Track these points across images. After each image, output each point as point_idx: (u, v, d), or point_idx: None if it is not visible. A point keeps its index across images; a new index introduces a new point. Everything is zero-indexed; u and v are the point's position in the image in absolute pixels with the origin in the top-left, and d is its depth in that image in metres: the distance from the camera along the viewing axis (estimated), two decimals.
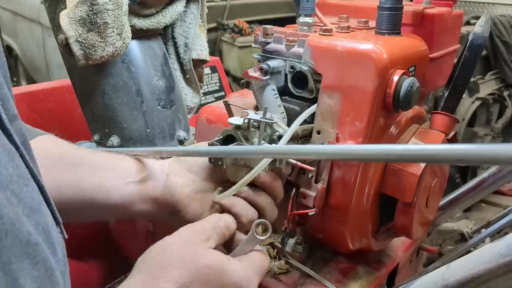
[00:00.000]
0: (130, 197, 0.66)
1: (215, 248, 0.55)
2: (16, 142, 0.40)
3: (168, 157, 0.92)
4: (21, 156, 0.40)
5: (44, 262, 0.38)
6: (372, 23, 0.74)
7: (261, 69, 0.71)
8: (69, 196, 0.64)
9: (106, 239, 1.05)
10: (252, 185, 0.65)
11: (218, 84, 1.45)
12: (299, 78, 0.71)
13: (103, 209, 0.66)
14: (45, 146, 0.67)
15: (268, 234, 0.56)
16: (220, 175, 0.68)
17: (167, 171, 0.68)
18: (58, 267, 0.40)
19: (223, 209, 0.63)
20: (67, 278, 0.43)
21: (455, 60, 0.81)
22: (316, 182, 0.70)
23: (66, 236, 0.46)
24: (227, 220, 0.59)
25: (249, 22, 3.03)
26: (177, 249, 0.52)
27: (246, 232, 0.61)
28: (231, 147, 0.63)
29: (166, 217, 0.67)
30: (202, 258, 0.52)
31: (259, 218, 0.64)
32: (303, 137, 0.71)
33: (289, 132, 0.65)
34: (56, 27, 0.78)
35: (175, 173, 0.68)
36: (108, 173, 0.67)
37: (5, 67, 0.44)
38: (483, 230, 1.26)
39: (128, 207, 0.66)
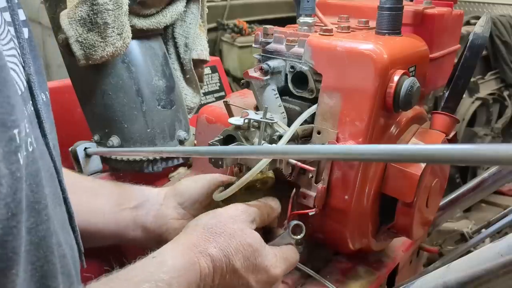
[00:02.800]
0: (125, 223, 0.68)
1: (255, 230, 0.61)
2: (58, 169, 0.45)
3: (168, 158, 0.93)
4: (60, 182, 0.45)
5: (68, 275, 0.41)
6: (373, 23, 0.74)
7: (261, 69, 0.70)
8: None
9: None
10: None
11: (218, 84, 1.45)
12: (300, 78, 0.71)
13: (98, 234, 0.68)
14: None
15: (302, 235, 0.64)
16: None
17: (161, 202, 0.70)
18: (77, 286, 0.44)
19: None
20: None
21: (455, 60, 0.81)
22: (316, 182, 0.70)
23: (85, 266, 0.50)
24: (270, 208, 0.66)
25: (249, 22, 3.03)
26: (227, 222, 0.59)
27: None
28: (231, 147, 0.63)
29: (154, 245, 0.69)
30: (247, 236, 0.59)
31: None
32: (303, 137, 0.71)
33: (289, 132, 0.65)
34: (56, 27, 0.78)
35: (168, 205, 0.70)
36: (105, 199, 0.70)
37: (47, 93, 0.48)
38: (483, 230, 1.26)
39: (122, 233, 0.69)
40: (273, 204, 0.68)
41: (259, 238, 0.60)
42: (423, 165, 0.67)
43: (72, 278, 0.42)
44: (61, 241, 0.40)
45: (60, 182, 0.45)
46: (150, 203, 0.70)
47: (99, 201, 0.70)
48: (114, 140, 0.87)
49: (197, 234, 0.57)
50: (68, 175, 0.72)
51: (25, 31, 0.44)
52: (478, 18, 1.79)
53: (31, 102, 0.41)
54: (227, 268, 0.56)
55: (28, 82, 0.41)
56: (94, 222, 0.67)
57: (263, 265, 0.59)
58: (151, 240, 0.69)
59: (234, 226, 0.59)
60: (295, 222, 0.64)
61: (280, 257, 0.62)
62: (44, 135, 0.43)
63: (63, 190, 0.45)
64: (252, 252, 0.58)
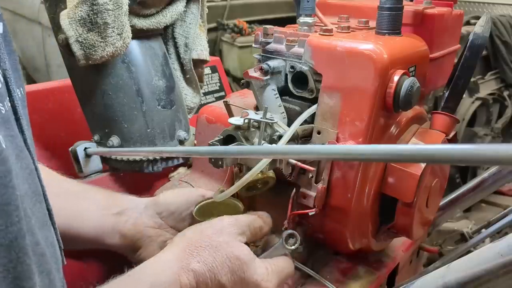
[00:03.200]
0: (102, 229, 0.68)
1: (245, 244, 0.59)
2: (36, 165, 0.43)
3: (168, 158, 0.92)
4: (39, 178, 0.43)
5: (48, 274, 0.40)
6: (373, 23, 0.74)
7: (261, 69, 0.70)
8: None
9: None
10: None
11: (218, 84, 1.45)
12: (299, 78, 0.71)
13: (78, 238, 0.69)
14: None
15: (296, 245, 0.61)
16: (187, 225, 0.69)
17: (141, 211, 0.70)
18: (59, 284, 0.43)
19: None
20: None
21: (455, 60, 0.81)
22: (316, 182, 0.70)
23: (65, 263, 0.48)
24: (262, 222, 0.63)
25: (249, 22, 3.03)
26: (212, 235, 0.56)
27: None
28: (231, 147, 0.63)
29: (128, 253, 0.70)
30: (234, 248, 0.56)
31: None
32: (303, 137, 0.71)
33: (289, 132, 0.65)
34: (56, 27, 0.78)
35: (146, 214, 0.70)
36: (86, 203, 0.70)
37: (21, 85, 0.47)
38: (483, 230, 1.26)
39: (101, 239, 0.69)
40: (266, 218, 0.66)
41: (248, 250, 0.58)
42: (423, 165, 0.67)
43: (53, 275, 0.41)
44: (39, 240, 0.40)
45: (39, 178, 0.44)
46: (131, 211, 0.70)
47: (82, 205, 0.70)
48: (114, 140, 0.87)
49: (180, 249, 0.56)
50: (52, 176, 0.72)
51: (0, 25, 0.42)
52: (478, 18, 1.79)
53: (8, 98, 0.40)
54: (212, 283, 0.54)
55: (4, 78, 0.41)
56: (75, 226, 0.67)
57: (253, 279, 0.56)
58: (127, 248, 0.69)
59: (220, 239, 0.56)
60: (288, 231, 0.62)
61: (272, 270, 0.59)
62: (22, 131, 0.42)
63: (42, 186, 0.44)
64: (239, 265, 0.55)
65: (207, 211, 0.71)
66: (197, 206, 0.69)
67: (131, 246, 0.68)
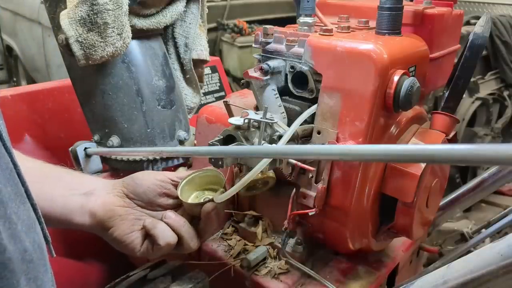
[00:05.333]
0: (71, 208, 0.68)
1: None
2: (15, 161, 0.42)
3: (168, 158, 0.92)
4: (18, 175, 0.42)
5: (36, 279, 0.39)
6: (373, 23, 0.74)
7: (261, 69, 0.70)
8: None
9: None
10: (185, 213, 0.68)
11: (218, 84, 1.45)
12: (299, 78, 0.71)
13: (47, 217, 0.68)
14: None
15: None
16: (156, 207, 0.70)
17: (109, 191, 0.71)
18: (48, 285, 0.42)
19: (145, 229, 0.67)
20: None
21: (455, 60, 0.81)
22: (316, 182, 0.70)
23: (54, 255, 0.48)
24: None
25: (249, 22, 3.03)
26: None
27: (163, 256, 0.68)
28: (231, 147, 0.63)
29: (99, 232, 0.70)
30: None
31: (179, 245, 0.67)
32: (303, 137, 0.71)
33: (289, 132, 0.65)
34: (56, 27, 0.79)
35: (116, 193, 0.70)
36: (56, 184, 0.70)
37: None
38: (483, 230, 1.26)
39: (69, 218, 0.68)
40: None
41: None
42: (422, 165, 0.67)
43: (40, 281, 0.41)
44: (27, 246, 0.39)
45: (20, 175, 0.43)
46: (99, 191, 0.71)
47: (48, 185, 0.69)
48: (114, 140, 0.87)
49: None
50: (19, 157, 0.71)
51: None
52: (478, 18, 1.79)
53: None
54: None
55: None
56: (43, 205, 0.66)
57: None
58: (97, 226, 0.69)
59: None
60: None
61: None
62: None
63: (23, 183, 0.43)
64: None
65: (191, 186, 0.71)
66: (179, 188, 0.69)
67: (101, 225, 0.68)
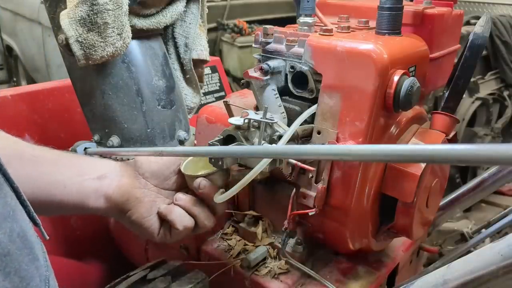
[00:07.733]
0: (86, 193, 0.67)
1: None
2: None
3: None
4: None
5: (17, 272, 0.37)
6: (373, 23, 0.74)
7: (261, 69, 0.70)
8: (28, 193, 0.63)
9: (106, 239, 1.05)
10: (193, 194, 0.68)
11: (218, 84, 1.45)
12: (299, 78, 0.71)
13: (61, 204, 0.67)
14: None
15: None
16: (172, 184, 0.70)
17: (122, 173, 0.70)
18: (39, 273, 0.40)
19: (160, 216, 0.67)
20: (52, 282, 0.43)
21: (455, 60, 0.81)
22: (316, 182, 0.70)
23: (47, 237, 0.46)
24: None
25: (249, 22, 3.03)
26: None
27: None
28: (231, 147, 0.63)
29: (116, 215, 0.70)
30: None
31: (195, 225, 0.67)
32: (303, 137, 0.71)
33: (289, 132, 0.65)
34: (56, 27, 0.78)
35: (129, 175, 0.70)
36: (67, 170, 0.68)
37: None
38: (483, 230, 1.26)
39: (84, 203, 0.68)
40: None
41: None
42: (422, 165, 0.67)
43: (24, 271, 0.38)
44: (1, 238, 0.36)
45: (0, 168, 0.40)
46: (113, 173, 0.70)
47: (59, 172, 0.68)
48: (114, 140, 0.87)
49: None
50: (22, 145, 0.70)
51: None
52: (478, 18, 1.79)
53: None
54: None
55: None
56: (54, 193, 0.66)
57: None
58: (113, 210, 0.68)
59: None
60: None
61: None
62: None
63: (1, 169, 0.40)
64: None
65: (194, 165, 0.71)
66: (184, 162, 0.69)
67: (118, 208, 0.68)
